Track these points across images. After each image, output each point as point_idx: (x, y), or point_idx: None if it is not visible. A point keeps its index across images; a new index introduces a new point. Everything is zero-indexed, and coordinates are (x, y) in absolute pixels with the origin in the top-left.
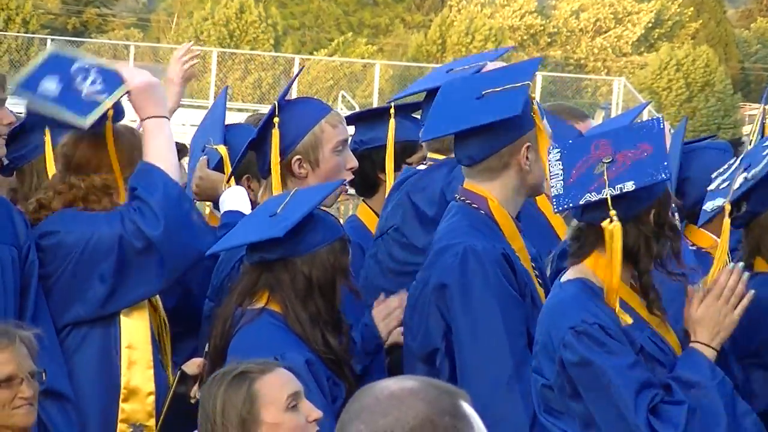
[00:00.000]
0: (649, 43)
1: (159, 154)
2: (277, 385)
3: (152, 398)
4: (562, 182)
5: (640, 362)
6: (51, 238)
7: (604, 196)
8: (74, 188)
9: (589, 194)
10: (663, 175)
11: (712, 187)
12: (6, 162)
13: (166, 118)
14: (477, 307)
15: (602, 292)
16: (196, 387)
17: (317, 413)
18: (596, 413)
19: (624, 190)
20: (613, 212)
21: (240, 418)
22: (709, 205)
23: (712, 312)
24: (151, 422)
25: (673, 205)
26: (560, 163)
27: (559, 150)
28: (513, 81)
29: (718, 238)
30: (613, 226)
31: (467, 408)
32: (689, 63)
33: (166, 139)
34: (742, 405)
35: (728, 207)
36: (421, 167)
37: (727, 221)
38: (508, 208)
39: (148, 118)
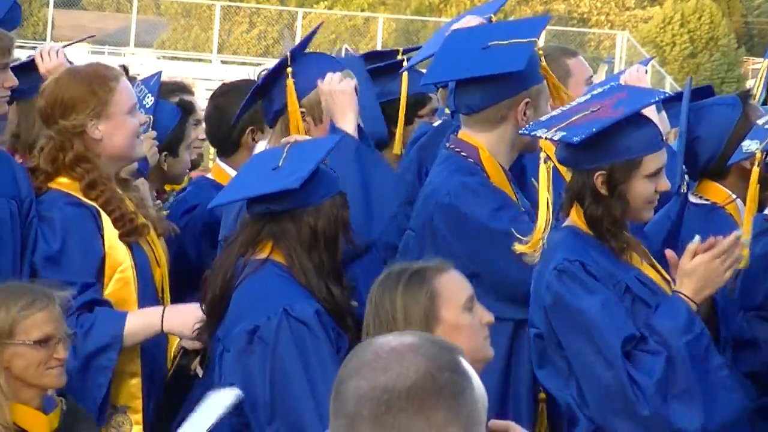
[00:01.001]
0: None
1: (144, 321)
2: (455, 285)
3: (137, 380)
4: (557, 112)
5: (619, 305)
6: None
7: (543, 136)
8: (51, 140)
9: (540, 130)
10: (575, 139)
11: (760, 121)
12: (10, 94)
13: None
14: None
15: (590, 238)
16: (196, 361)
17: (490, 316)
18: (572, 356)
19: (554, 138)
20: (544, 153)
21: (424, 315)
22: (745, 144)
23: (707, 269)
24: (136, 403)
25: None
26: (590, 95)
27: (604, 88)
28: (520, 36)
29: (732, 192)
30: (544, 166)
31: (466, 364)
32: (695, 19)
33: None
34: (715, 359)
35: (759, 155)
36: (437, 123)
37: (756, 169)
38: (499, 159)
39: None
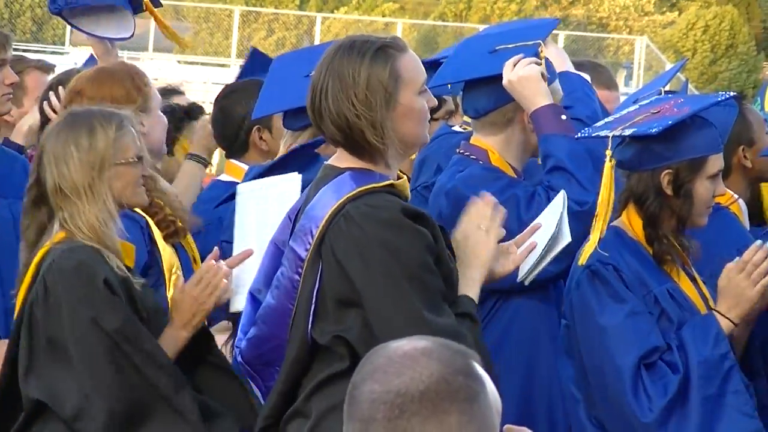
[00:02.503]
0: (671, 2)
1: None
2: (414, 68)
3: None
4: (612, 118)
5: (646, 314)
6: None
7: (607, 135)
8: None
9: (602, 131)
10: (654, 131)
11: None
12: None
13: None
14: None
15: (633, 242)
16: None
17: (434, 101)
18: (586, 358)
19: (623, 134)
20: (609, 151)
21: (384, 92)
22: None
23: (733, 285)
24: None
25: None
26: (638, 106)
27: (654, 98)
28: (526, 39)
29: (735, 193)
30: (608, 165)
31: (479, 368)
32: (716, 25)
33: None
34: (736, 383)
35: None
36: (456, 128)
37: None
38: (510, 162)
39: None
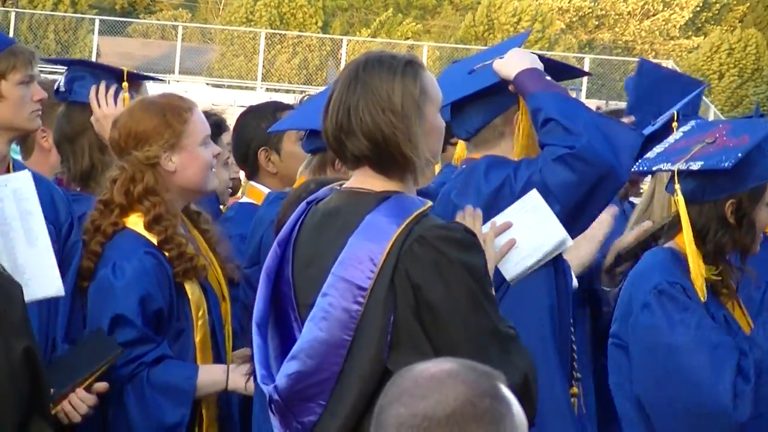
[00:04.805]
0: (697, 26)
1: None
2: (436, 87)
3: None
4: (662, 149)
5: (715, 327)
6: None
7: (673, 169)
8: (124, 171)
9: (663, 164)
10: (726, 165)
11: None
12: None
13: None
14: None
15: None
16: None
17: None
18: (654, 377)
19: (690, 168)
20: (677, 186)
21: (416, 106)
22: None
23: None
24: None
25: None
26: (682, 133)
27: (693, 124)
28: (501, 53)
29: None
30: (677, 199)
31: (505, 390)
32: (740, 48)
33: None
34: None
35: None
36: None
37: None
38: None
39: None
